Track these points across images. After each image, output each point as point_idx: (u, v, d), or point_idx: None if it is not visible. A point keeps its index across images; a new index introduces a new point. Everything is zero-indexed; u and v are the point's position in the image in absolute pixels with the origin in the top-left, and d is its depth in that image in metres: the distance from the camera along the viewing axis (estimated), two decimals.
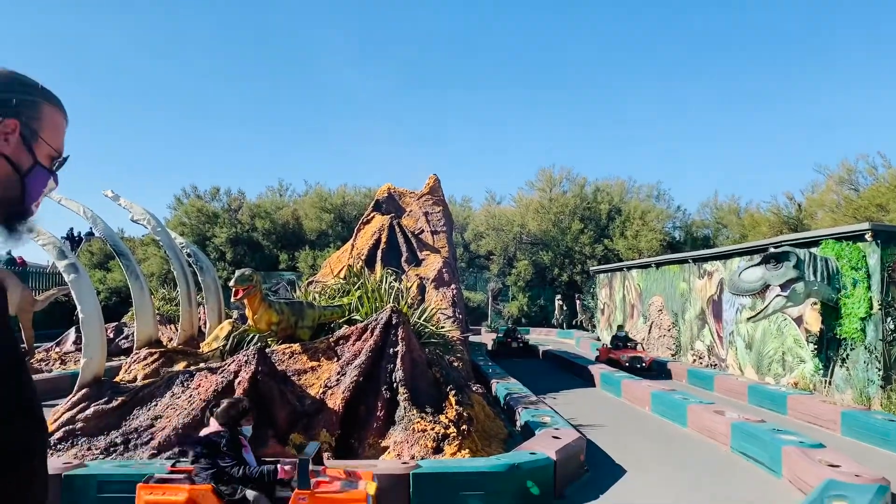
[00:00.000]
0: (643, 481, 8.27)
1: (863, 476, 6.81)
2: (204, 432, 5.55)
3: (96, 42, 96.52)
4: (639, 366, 18.75)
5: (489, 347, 24.63)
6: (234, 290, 9.53)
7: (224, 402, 5.68)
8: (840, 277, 13.39)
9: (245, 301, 9.76)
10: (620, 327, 22.83)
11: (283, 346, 9.85)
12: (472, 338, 23.13)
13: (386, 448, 8.22)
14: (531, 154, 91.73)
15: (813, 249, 14.06)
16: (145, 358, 10.63)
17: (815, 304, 14.04)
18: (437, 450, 8.07)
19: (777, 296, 13.43)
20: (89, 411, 8.37)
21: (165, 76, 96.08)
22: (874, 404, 12.35)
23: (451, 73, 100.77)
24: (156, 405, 8.56)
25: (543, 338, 33.59)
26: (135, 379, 10.02)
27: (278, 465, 5.32)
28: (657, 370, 19.23)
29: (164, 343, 12.44)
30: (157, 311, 17.03)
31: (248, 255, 43.20)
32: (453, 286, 16.34)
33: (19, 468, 1.39)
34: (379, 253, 17.03)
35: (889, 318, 12.56)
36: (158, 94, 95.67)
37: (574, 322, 37.75)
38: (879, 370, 12.48)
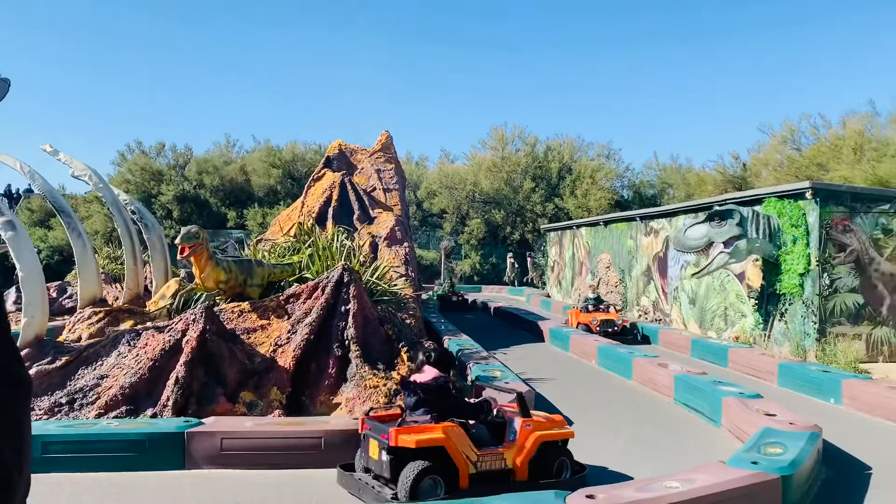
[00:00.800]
0: (590, 433, 8.49)
1: (796, 424, 7.13)
2: (422, 379, 6.22)
3: None
4: (611, 329, 17.24)
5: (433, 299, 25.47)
6: (179, 248, 9.36)
7: (438, 352, 6.56)
8: (781, 234, 13.80)
9: (192, 259, 9.61)
10: (593, 288, 21.72)
11: (232, 304, 9.74)
12: (425, 295, 23.24)
13: (338, 405, 8.26)
14: (486, 112, 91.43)
15: (756, 207, 14.43)
16: (90, 317, 10.40)
17: (757, 260, 14.47)
18: (389, 405, 8.14)
19: (720, 252, 13.80)
20: (31, 371, 8.18)
21: (107, 23, 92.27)
22: (809, 356, 12.88)
23: (405, 29, 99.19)
24: (101, 364, 8.42)
25: (495, 295, 33.96)
26: (79, 339, 9.82)
27: (489, 400, 6.45)
28: (634, 334, 17.64)
29: (110, 302, 12.19)
30: (101, 270, 16.62)
31: (196, 213, 42.34)
32: (406, 244, 16.33)
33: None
34: (330, 211, 16.86)
35: (826, 274, 13.04)
36: (100, 43, 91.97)
37: (525, 279, 38.22)
38: (815, 324, 12.98)
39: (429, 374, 6.27)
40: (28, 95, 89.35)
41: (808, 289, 13.20)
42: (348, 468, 6.22)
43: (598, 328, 17.23)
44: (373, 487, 5.80)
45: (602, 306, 18.82)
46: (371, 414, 6.30)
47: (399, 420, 5.95)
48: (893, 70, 70.96)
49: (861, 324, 13.01)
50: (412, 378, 6.43)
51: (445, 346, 13.81)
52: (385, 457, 5.69)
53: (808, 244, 13.25)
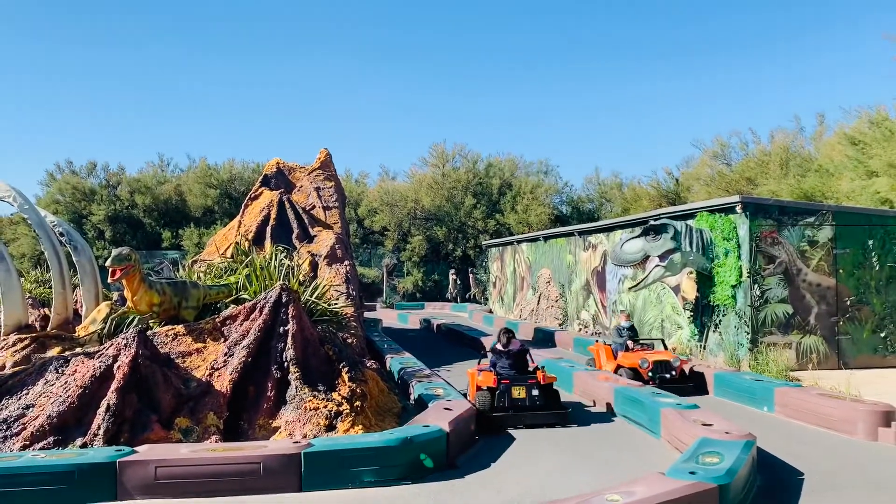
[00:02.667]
0: (532, 447, 8.54)
1: (732, 433, 7.30)
2: (515, 347, 10.63)
3: None
4: (668, 375, 12.27)
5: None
6: (111, 270, 9.08)
7: (514, 332, 11.35)
8: (713, 247, 14.21)
9: (124, 282, 9.34)
10: (624, 314, 15.13)
11: (166, 327, 9.47)
12: (367, 314, 23.07)
13: (277, 428, 8.10)
14: (426, 130, 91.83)
15: (689, 221, 14.83)
16: (14, 344, 9.96)
17: (691, 273, 14.85)
18: (330, 427, 8.02)
19: (656, 266, 14.10)
20: None
21: (37, 35, 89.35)
22: (743, 366, 13.25)
23: (342, 46, 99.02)
24: (27, 394, 8.06)
25: (438, 312, 33.96)
26: (3, 367, 9.37)
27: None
28: (694, 381, 12.57)
29: (37, 328, 11.69)
30: (28, 295, 15.94)
31: (129, 234, 41.22)
32: (347, 262, 16.19)
33: None
34: (268, 230, 16.61)
35: (756, 286, 13.46)
36: (26, 60, 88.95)
37: (467, 296, 38.36)
38: (748, 334, 13.37)
39: (516, 343, 10.70)
40: None
41: (741, 300, 13.60)
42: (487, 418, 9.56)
43: (649, 374, 12.21)
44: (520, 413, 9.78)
45: (646, 342, 13.93)
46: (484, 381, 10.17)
47: (507, 378, 10.12)
48: (817, 87, 74.38)
49: (791, 333, 13.46)
50: (509, 347, 10.52)
51: (388, 365, 13.72)
52: (536, 391, 9.93)
53: (739, 256, 13.66)
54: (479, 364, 11.10)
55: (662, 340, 14.55)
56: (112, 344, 8.24)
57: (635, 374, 12.28)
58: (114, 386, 7.60)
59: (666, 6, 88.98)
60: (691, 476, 5.72)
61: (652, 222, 14.77)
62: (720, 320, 14.13)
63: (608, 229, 19.88)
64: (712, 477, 5.72)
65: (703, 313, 14.71)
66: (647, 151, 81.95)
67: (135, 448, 6.81)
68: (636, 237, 14.46)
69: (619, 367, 12.87)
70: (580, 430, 9.47)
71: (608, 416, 10.37)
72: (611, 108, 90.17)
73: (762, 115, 79.45)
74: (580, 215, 42.57)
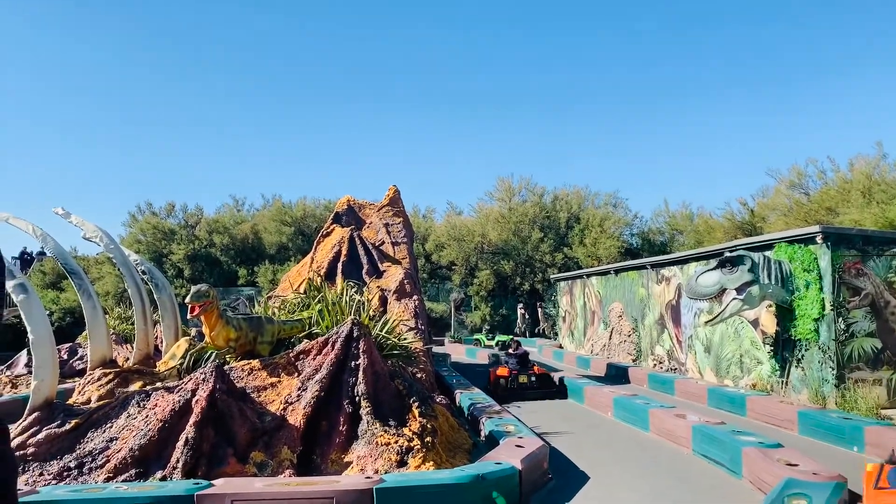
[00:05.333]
0: (607, 487, 8.31)
1: (820, 474, 6.94)
2: (521, 351, 16.91)
3: (43, 47, 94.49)
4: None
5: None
6: (190, 307, 9.37)
7: (519, 342, 17.64)
8: (793, 279, 13.69)
9: (202, 318, 9.60)
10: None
11: (242, 362, 9.68)
12: (436, 349, 23.07)
13: (349, 463, 8.12)
14: (491, 165, 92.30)
15: (766, 253, 14.35)
16: (99, 379, 10.35)
17: (770, 306, 14.33)
18: (402, 463, 8.00)
19: (733, 299, 13.68)
20: (41, 435, 8.11)
21: (117, 87, 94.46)
22: (829, 403, 12.63)
23: (409, 85, 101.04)
24: (111, 427, 8.34)
25: None
26: (88, 401, 9.75)
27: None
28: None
29: (120, 363, 12.14)
30: (112, 331, 16.62)
31: (207, 272, 42.57)
32: (415, 297, 16.28)
33: None
34: (339, 265, 16.90)
35: (841, 319, 12.87)
36: (111, 107, 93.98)
37: (536, 330, 37.96)
38: (833, 369, 12.76)
39: (521, 349, 16.85)
40: (41, 158, 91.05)
41: (824, 334, 13.02)
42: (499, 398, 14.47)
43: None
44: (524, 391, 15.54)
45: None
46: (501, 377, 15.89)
47: (516, 369, 16.09)
48: None
49: (880, 368, 12.78)
50: (517, 351, 16.72)
51: (458, 400, 13.66)
52: (534, 378, 15.83)
53: (821, 289, 13.12)
54: (497, 363, 18.09)
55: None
56: (191, 378, 8.47)
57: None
58: (192, 420, 7.78)
59: (736, 36, 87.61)
60: None
61: (728, 254, 14.38)
62: (803, 355, 13.55)
63: (682, 262, 19.43)
64: None
65: (784, 348, 14.14)
66: (719, 182, 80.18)
67: (212, 481, 6.94)
68: (712, 269, 14.08)
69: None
70: (658, 470, 9.17)
71: (686, 455, 10.02)
72: (680, 138, 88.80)
73: (840, 143, 76.86)
74: (651, 248, 41.77)
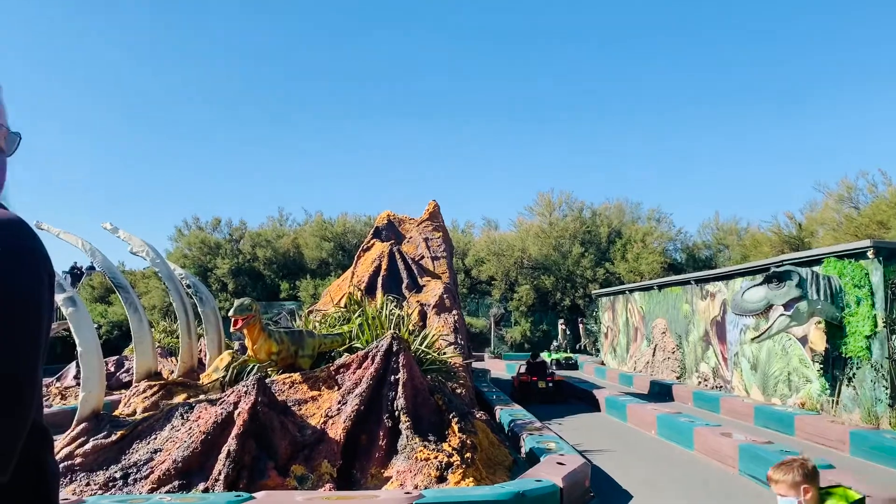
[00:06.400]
0: None
1: (874, 496, 6.68)
2: (538, 360, 20.40)
3: (88, 59, 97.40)
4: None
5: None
6: (233, 320, 9.49)
7: (538, 354, 22.05)
8: (843, 295, 13.32)
9: (244, 331, 9.71)
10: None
11: (284, 375, 9.76)
12: (475, 364, 22.98)
13: (388, 478, 8.10)
14: (531, 179, 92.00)
15: (815, 268, 14.00)
16: (145, 391, 10.54)
17: (820, 322, 13.95)
18: (441, 479, 7.94)
19: (781, 315, 13.35)
20: (88, 446, 8.27)
21: (161, 105, 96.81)
22: (883, 423, 12.20)
23: (445, 102, 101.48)
24: (155, 438, 8.46)
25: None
26: (134, 412, 9.92)
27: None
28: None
29: (165, 376, 12.35)
30: (157, 344, 16.93)
31: (250, 286, 43.20)
32: (455, 312, 16.26)
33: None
34: (379, 280, 16.98)
35: (894, 336, 12.46)
36: (155, 125, 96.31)
37: (577, 346, 37.56)
38: (887, 388, 12.35)
39: (540, 359, 20.29)
40: (89, 174, 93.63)
41: (877, 352, 12.61)
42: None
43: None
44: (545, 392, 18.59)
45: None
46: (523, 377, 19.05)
47: (536, 376, 18.98)
48: None
49: None
50: (536, 360, 20.01)
51: (497, 416, 13.56)
52: (551, 384, 18.75)
53: (873, 305, 12.72)
54: (518, 370, 20.18)
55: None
56: (233, 391, 8.56)
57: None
58: (234, 432, 7.85)
59: (781, 45, 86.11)
60: None
61: (775, 269, 14.05)
62: (854, 374, 13.14)
63: (727, 277, 19.06)
64: None
65: (834, 366, 13.73)
66: (765, 196, 78.55)
67: (253, 494, 6.98)
68: (758, 285, 13.78)
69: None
70: (702, 489, 8.95)
71: (733, 475, 9.76)
72: (725, 151, 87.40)
73: (892, 155, 74.70)
74: (695, 263, 41.11)
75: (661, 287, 23.93)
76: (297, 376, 9.63)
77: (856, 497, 3.50)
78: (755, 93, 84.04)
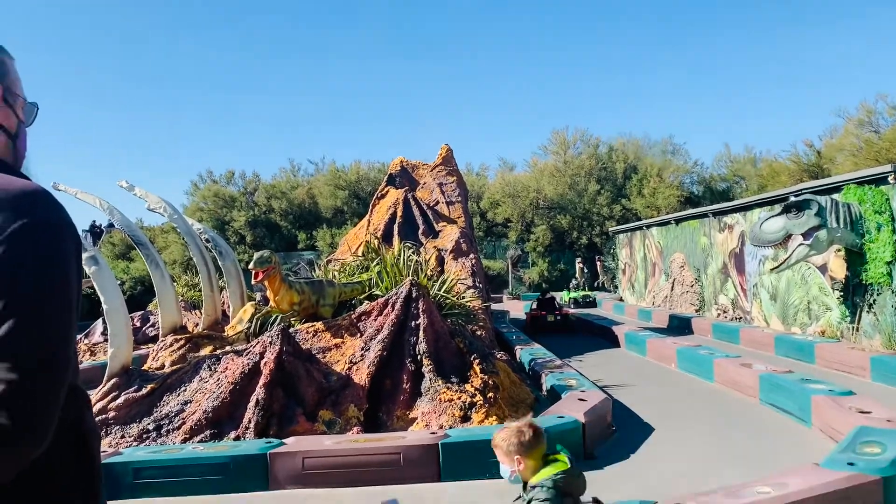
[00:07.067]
0: (672, 438, 8.28)
1: (894, 420, 6.75)
2: (546, 297, 22.37)
3: (103, 18, 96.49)
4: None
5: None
6: (253, 272, 9.59)
7: (547, 291, 25.88)
8: (863, 222, 13.18)
9: (266, 283, 9.82)
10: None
11: (307, 325, 9.91)
12: (494, 306, 23.17)
13: (414, 419, 8.28)
14: (544, 117, 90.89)
15: (834, 195, 13.83)
16: (171, 345, 10.76)
17: (839, 250, 13.86)
18: (465, 418, 8.11)
19: (800, 245, 13.26)
20: (120, 400, 8.50)
21: (172, 59, 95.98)
22: None
23: (452, 42, 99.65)
24: (185, 390, 8.67)
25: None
26: (162, 366, 10.16)
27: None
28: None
29: (190, 329, 12.57)
30: (180, 298, 17.18)
31: (267, 237, 43.47)
32: (472, 256, 16.31)
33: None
34: (395, 227, 17.01)
35: None
36: (168, 77, 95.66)
37: (595, 284, 37.65)
38: None
39: (549, 295, 22.51)
40: (103, 132, 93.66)
41: None
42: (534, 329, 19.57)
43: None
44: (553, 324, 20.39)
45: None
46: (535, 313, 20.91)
47: (545, 310, 20.91)
48: None
49: None
50: (545, 297, 22.02)
51: (518, 356, 13.73)
52: (559, 317, 20.65)
53: (893, 230, 12.59)
54: (531, 306, 22.05)
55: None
56: (258, 342, 8.72)
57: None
58: (261, 381, 8.04)
59: None
60: (850, 467, 5.34)
61: (793, 198, 13.91)
62: (874, 300, 13.10)
63: (745, 208, 18.90)
64: (874, 468, 5.31)
65: (854, 293, 13.69)
66: (783, 124, 77.21)
67: (283, 440, 7.18)
68: (776, 215, 13.65)
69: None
70: (723, 420, 9.07)
71: (753, 405, 9.87)
72: (739, 79, 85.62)
73: None
74: (712, 195, 40.73)
75: (678, 221, 23.80)
76: (319, 325, 9.77)
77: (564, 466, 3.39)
78: (770, 18, 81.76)
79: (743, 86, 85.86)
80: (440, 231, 17.12)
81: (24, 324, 1.21)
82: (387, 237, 16.57)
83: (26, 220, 1.28)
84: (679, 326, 19.93)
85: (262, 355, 8.34)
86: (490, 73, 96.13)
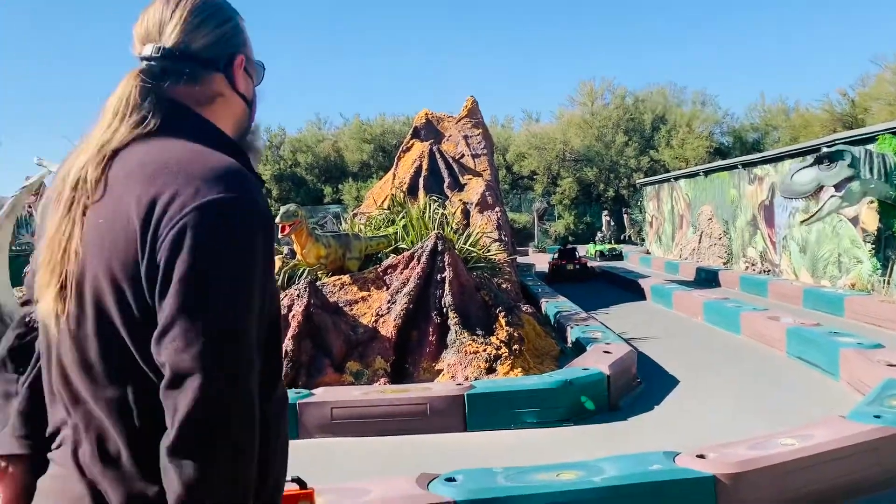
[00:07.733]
0: (697, 390, 8.31)
1: None
2: (567, 247, 24.45)
3: None
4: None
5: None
6: (280, 226, 9.66)
7: (567, 241, 31.79)
8: None
9: (292, 237, 9.89)
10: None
11: (333, 278, 10.01)
12: (520, 259, 23.17)
13: (440, 371, 8.40)
14: (571, 69, 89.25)
15: (868, 146, 13.50)
16: None
17: (872, 202, 13.60)
18: (490, 370, 8.21)
19: (832, 196, 13.01)
20: None
21: None
22: None
23: None
24: None
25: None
26: None
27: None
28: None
29: None
30: None
31: (294, 191, 43.68)
32: (497, 209, 16.26)
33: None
34: (421, 180, 16.96)
35: None
36: None
37: (622, 237, 37.40)
38: None
39: (570, 246, 24.87)
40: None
41: None
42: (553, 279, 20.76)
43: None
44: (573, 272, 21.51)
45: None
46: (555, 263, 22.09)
47: (566, 260, 22.09)
48: None
49: None
50: (566, 247, 23.69)
51: (543, 309, 13.77)
52: (578, 266, 21.65)
53: None
54: (553, 256, 23.38)
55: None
56: (286, 295, 8.84)
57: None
58: (290, 333, 8.18)
59: None
60: (876, 420, 5.33)
61: (825, 149, 13.61)
62: None
63: (776, 160, 18.55)
64: None
65: (886, 245, 13.46)
66: (816, 72, 75.09)
67: (312, 391, 7.34)
68: (808, 166, 13.38)
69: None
70: (750, 373, 9.08)
71: (780, 358, 9.84)
72: (771, 26, 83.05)
73: None
74: (743, 146, 39.96)
75: (707, 173, 23.46)
76: (346, 278, 9.87)
77: None
78: None
79: (775, 33, 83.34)
80: (465, 184, 17.05)
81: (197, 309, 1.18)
82: (412, 190, 16.55)
83: (212, 198, 1.23)
84: (706, 279, 19.81)
85: (290, 308, 8.47)
86: (515, 22, 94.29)
